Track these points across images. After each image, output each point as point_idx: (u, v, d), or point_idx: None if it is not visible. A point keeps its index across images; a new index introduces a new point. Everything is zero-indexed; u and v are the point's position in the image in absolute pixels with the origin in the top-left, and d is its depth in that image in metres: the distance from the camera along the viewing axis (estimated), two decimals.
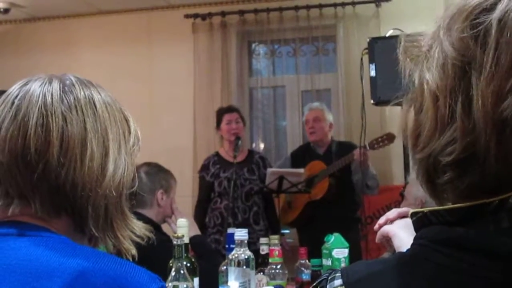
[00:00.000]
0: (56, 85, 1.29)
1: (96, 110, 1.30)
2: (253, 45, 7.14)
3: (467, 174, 0.85)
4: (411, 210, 0.95)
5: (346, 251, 3.04)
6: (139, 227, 1.39)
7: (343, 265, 2.99)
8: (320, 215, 5.25)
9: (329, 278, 0.98)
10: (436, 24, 0.91)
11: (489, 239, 0.83)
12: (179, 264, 2.52)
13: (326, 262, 3.07)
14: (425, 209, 0.92)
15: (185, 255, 2.69)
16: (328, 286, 0.97)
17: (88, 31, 7.09)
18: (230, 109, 5.61)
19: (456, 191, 0.88)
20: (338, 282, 0.96)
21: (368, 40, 4.64)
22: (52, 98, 1.25)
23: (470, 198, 0.86)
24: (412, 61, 0.94)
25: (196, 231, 3.67)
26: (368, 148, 5.05)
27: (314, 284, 1.01)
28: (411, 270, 0.89)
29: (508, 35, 0.82)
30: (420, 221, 0.93)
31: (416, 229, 0.94)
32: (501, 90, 0.81)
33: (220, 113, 5.57)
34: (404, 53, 0.96)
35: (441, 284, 0.85)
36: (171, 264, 2.60)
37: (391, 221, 1.79)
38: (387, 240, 1.81)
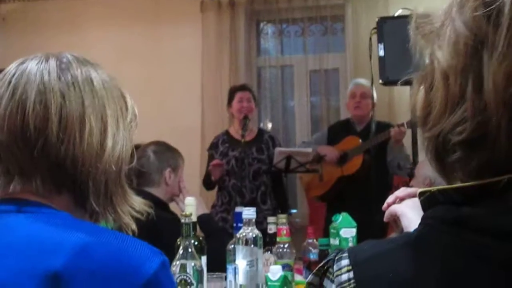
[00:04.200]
0: (53, 63, 1.30)
1: (93, 86, 1.31)
2: (262, 25, 7.12)
3: (477, 154, 0.84)
4: (419, 190, 0.95)
5: (354, 230, 3.04)
6: (138, 202, 1.40)
7: (350, 244, 2.99)
8: (350, 192, 5.21)
9: (336, 258, 0.98)
10: (449, 0, 0.90)
11: (497, 218, 0.83)
12: (187, 242, 2.53)
13: (334, 241, 3.07)
14: (433, 188, 0.91)
15: (193, 233, 2.70)
16: (335, 266, 0.97)
17: (95, 10, 7.06)
18: (243, 88, 5.57)
19: (465, 170, 0.87)
20: (345, 262, 0.95)
21: (377, 19, 4.62)
22: (49, 76, 1.26)
23: (479, 178, 0.85)
24: (423, 38, 0.93)
25: (204, 210, 3.68)
26: (406, 126, 4.96)
27: (321, 264, 1.01)
28: (418, 250, 0.89)
29: None
30: (427, 201, 0.92)
31: (424, 209, 0.94)
32: None
33: (233, 91, 5.54)
34: (416, 29, 0.95)
35: (448, 264, 0.84)
36: (178, 243, 2.61)
37: (400, 199, 1.79)
38: (395, 220, 1.81)
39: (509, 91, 0.80)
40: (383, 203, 5.32)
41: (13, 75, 1.27)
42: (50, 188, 1.25)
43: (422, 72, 0.94)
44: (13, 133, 1.23)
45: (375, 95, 5.37)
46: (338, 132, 5.58)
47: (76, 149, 1.24)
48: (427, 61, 0.92)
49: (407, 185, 4.16)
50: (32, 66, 1.28)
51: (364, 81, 5.58)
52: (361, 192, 5.06)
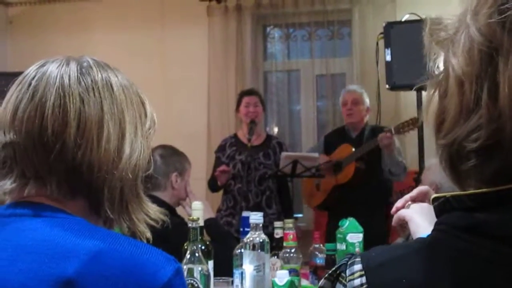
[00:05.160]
0: (73, 66, 1.29)
1: (113, 92, 1.30)
2: (268, 29, 7.11)
3: (492, 161, 0.84)
4: (433, 196, 0.95)
5: (361, 235, 3.04)
6: (154, 210, 1.39)
7: (357, 250, 2.99)
8: (347, 199, 5.19)
9: (349, 263, 0.97)
10: (463, 7, 0.90)
11: (510, 224, 0.83)
12: (194, 247, 2.53)
13: (341, 246, 3.07)
14: (447, 194, 0.91)
15: (200, 238, 2.70)
16: (348, 271, 0.96)
17: (102, 13, 7.08)
18: (250, 92, 5.61)
19: (480, 177, 0.87)
20: (358, 267, 0.95)
21: (384, 24, 4.63)
22: (69, 80, 1.26)
23: (493, 185, 0.85)
24: (438, 44, 0.93)
25: (210, 214, 3.68)
26: (393, 132, 5.00)
27: (334, 268, 1.00)
28: (432, 255, 0.89)
29: None
30: (441, 206, 0.92)
31: (437, 215, 0.94)
32: None
33: (241, 95, 5.59)
34: (430, 36, 0.95)
35: (461, 271, 0.84)
36: (186, 247, 2.61)
37: (412, 200, 1.78)
38: (401, 225, 1.81)
39: None
40: (383, 208, 5.32)
41: (33, 77, 1.27)
42: (65, 192, 1.25)
43: (436, 79, 0.93)
44: (31, 136, 1.22)
45: (367, 100, 5.46)
46: (333, 140, 5.61)
47: (93, 154, 1.23)
48: (441, 67, 0.92)
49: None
50: (52, 69, 1.28)
51: (355, 87, 5.65)
52: (359, 199, 5.08)
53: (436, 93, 0.93)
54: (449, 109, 0.89)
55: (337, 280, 0.98)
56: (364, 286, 0.93)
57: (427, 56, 0.95)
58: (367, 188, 5.18)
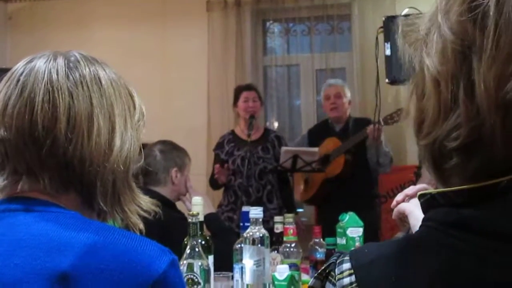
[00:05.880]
0: (61, 61, 1.30)
1: (101, 85, 1.31)
2: (268, 24, 7.11)
3: (474, 158, 0.85)
4: (419, 192, 0.95)
5: (361, 230, 3.04)
6: (146, 201, 1.40)
7: (357, 244, 2.99)
8: (337, 193, 5.22)
9: (338, 261, 0.97)
10: (434, 6, 0.90)
11: (497, 220, 0.83)
12: (194, 242, 2.53)
13: (341, 241, 3.07)
14: (433, 191, 0.91)
15: (200, 233, 2.70)
16: (337, 269, 0.96)
17: (102, 10, 7.07)
18: (248, 87, 5.60)
19: (463, 175, 0.87)
20: (347, 265, 0.95)
21: (383, 18, 4.61)
22: (57, 74, 1.26)
23: (476, 182, 0.85)
24: (411, 46, 0.94)
25: (211, 209, 3.68)
26: (382, 123, 5.01)
27: (323, 267, 1.01)
28: (420, 252, 0.89)
29: (507, 16, 0.80)
30: (428, 203, 0.93)
31: (424, 211, 0.94)
32: (503, 73, 0.80)
33: (238, 90, 5.57)
34: (403, 38, 0.95)
35: (452, 266, 0.84)
36: (186, 242, 2.61)
37: (409, 197, 1.79)
38: (400, 219, 1.81)
39: (500, 94, 0.80)
40: (372, 200, 5.30)
41: (22, 73, 1.27)
42: (57, 187, 1.25)
43: (413, 80, 0.94)
44: (21, 132, 1.23)
45: (349, 94, 5.53)
46: (318, 134, 5.62)
47: (84, 148, 1.24)
48: (416, 69, 0.92)
49: (414, 184, 4.16)
50: (40, 64, 1.28)
51: (336, 81, 5.72)
52: (348, 192, 5.11)
53: (414, 95, 0.93)
54: (427, 109, 0.89)
55: (327, 279, 0.99)
56: (354, 285, 0.93)
57: (402, 58, 0.95)
58: (355, 181, 5.21)
